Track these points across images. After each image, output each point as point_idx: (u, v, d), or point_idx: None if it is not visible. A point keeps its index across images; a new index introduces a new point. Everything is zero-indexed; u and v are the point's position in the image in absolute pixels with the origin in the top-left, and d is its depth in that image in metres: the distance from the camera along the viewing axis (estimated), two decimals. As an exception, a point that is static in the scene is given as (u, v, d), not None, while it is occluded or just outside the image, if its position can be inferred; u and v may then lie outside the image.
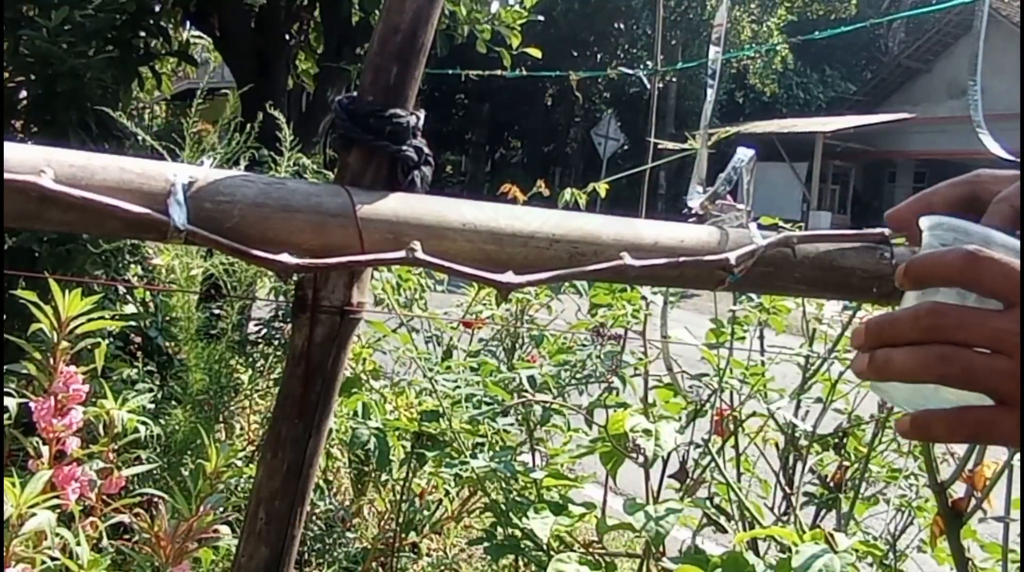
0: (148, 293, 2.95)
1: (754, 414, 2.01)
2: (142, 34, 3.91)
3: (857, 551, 1.45)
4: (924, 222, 0.61)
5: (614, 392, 2.17)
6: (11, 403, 1.63)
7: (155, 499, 2.01)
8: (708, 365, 2.00)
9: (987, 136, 1.27)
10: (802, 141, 20.43)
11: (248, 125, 2.85)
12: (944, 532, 1.51)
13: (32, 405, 1.54)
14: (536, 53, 5.15)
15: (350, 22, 5.04)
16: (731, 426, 1.97)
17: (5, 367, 1.91)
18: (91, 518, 1.65)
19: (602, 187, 2.64)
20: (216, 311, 2.95)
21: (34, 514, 1.37)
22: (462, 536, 2.89)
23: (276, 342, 2.93)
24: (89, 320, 1.57)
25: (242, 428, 2.93)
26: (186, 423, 2.42)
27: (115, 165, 0.73)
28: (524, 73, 6.33)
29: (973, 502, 1.51)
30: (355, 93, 0.87)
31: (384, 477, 2.41)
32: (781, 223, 1.38)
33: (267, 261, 0.74)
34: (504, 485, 2.03)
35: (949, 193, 0.69)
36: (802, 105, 25.53)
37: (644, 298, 2.06)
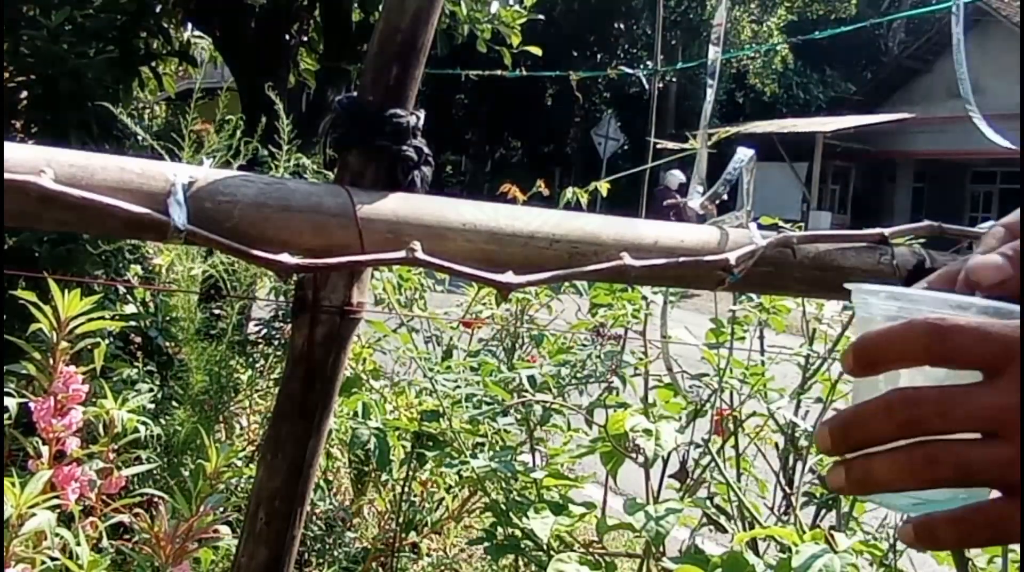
0: (148, 293, 2.95)
1: (754, 414, 2.01)
2: (143, 34, 3.91)
3: (857, 551, 1.45)
4: (856, 291, 0.53)
5: (614, 392, 2.17)
6: (11, 403, 1.63)
7: (155, 499, 2.01)
8: (708, 365, 2.00)
9: (977, 115, 1.27)
10: (802, 141, 20.41)
11: (247, 124, 2.85)
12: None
13: (32, 405, 1.54)
14: (536, 51, 5.15)
15: (350, 22, 5.04)
16: (731, 426, 1.97)
17: (5, 367, 1.91)
18: (91, 518, 1.64)
19: (603, 187, 2.64)
20: (216, 311, 2.95)
21: (34, 514, 1.37)
22: (462, 536, 2.89)
23: (276, 342, 2.93)
24: (89, 320, 1.57)
25: (242, 428, 2.92)
26: (186, 423, 2.42)
27: (115, 165, 0.73)
28: (524, 73, 6.33)
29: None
30: (355, 93, 0.87)
31: (384, 477, 2.41)
32: (781, 223, 1.38)
33: (267, 261, 0.74)
34: (504, 485, 2.03)
35: None
36: (802, 105, 25.51)
37: (644, 298, 2.06)
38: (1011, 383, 0.42)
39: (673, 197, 10.19)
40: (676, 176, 11.62)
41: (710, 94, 1.15)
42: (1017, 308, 0.49)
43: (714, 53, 1.15)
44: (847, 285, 0.54)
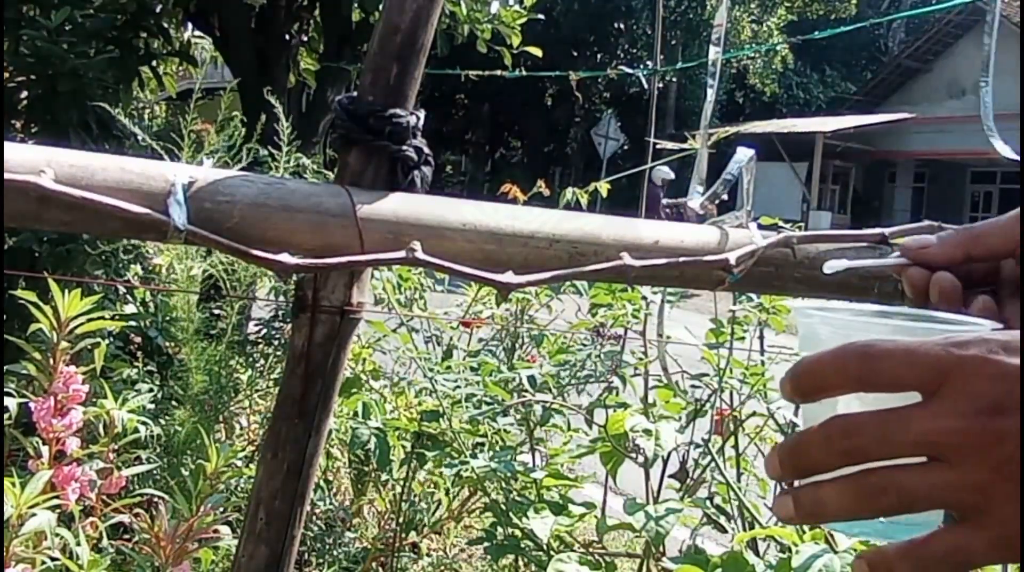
0: (148, 293, 2.95)
1: (754, 414, 2.01)
2: (143, 34, 3.92)
3: (857, 551, 1.45)
4: (796, 311, 0.54)
5: (614, 392, 2.17)
6: (11, 403, 1.63)
7: (155, 499, 2.01)
8: (708, 365, 2.00)
9: (997, 140, 1.27)
10: (802, 141, 20.42)
11: (248, 124, 2.85)
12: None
13: (32, 405, 1.54)
14: (536, 52, 5.15)
15: (350, 22, 5.04)
16: (731, 426, 1.97)
17: (5, 367, 1.91)
18: (91, 518, 1.64)
19: (603, 187, 2.64)
20: (216, 311, 2.95)
21: (34, 514, 1.37)
22: (462, 536, 2.89)
23: (276, 342, 2.92)
24: (89, 320, 1.57)
25: (242, 428, 2.92)
26: (186, 423, 2.42)
27: (115, 165, 0.73)
28: (524, 73, 6.33)
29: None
30: (355, 93, 0.87)
31: (384, 477, 2.41)
32: (781, 223, 1.37)
33: (267, 261, 0.74)
34: (504, 485, 2.03)
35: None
36: (802, 105, 25.52)
37: (644, 298, 2.06)
38: (946, 403, 0.41)
39: (659, 194, 10.11)
40: (661, 172, 11.39)
41: (711, 94, 1.15)
42: (954, 317, 0.52)
43: (715, 53, 1.15)
44: (787, 303, 0.55)
